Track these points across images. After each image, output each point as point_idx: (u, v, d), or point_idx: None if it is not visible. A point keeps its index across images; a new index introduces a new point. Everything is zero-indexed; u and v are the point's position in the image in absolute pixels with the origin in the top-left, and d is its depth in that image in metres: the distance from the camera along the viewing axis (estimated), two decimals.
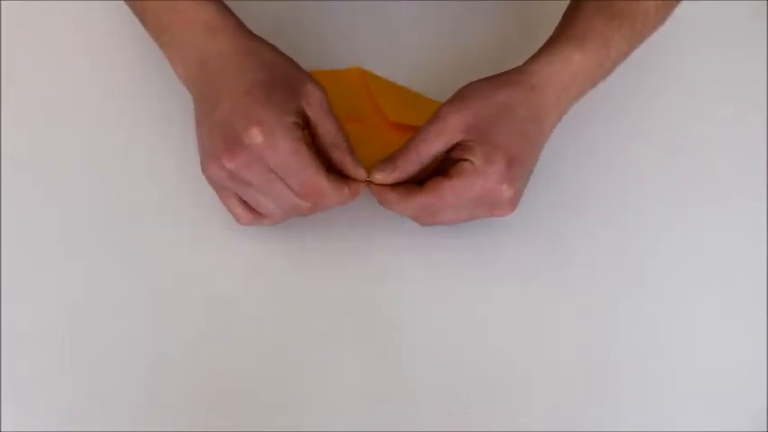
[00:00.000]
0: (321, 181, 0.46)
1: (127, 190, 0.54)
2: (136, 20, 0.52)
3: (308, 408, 0.48)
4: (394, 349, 0.50)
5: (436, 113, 0.48)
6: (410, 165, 0.48)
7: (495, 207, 0.49)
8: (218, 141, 0.45)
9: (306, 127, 0.47)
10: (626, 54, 0.53)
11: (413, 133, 0.52)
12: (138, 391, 0.48)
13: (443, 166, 0.48)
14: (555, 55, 0.50)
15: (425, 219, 0.50)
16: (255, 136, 0.43)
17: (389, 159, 0.48)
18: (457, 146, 0.47)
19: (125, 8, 0.53)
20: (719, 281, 0.53)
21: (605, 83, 0.52)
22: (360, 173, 0.48)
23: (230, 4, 0.50)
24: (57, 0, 0.61)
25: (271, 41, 0.49)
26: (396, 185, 0.48)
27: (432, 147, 0.47)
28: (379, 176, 0.48)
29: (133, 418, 0.47)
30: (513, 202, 0.49)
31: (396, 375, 0.49)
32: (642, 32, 0.53)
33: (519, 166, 0.47)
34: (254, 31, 0.49)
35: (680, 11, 0.57)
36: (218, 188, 0.48)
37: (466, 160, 0.47)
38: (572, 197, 0.56)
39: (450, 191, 0.47)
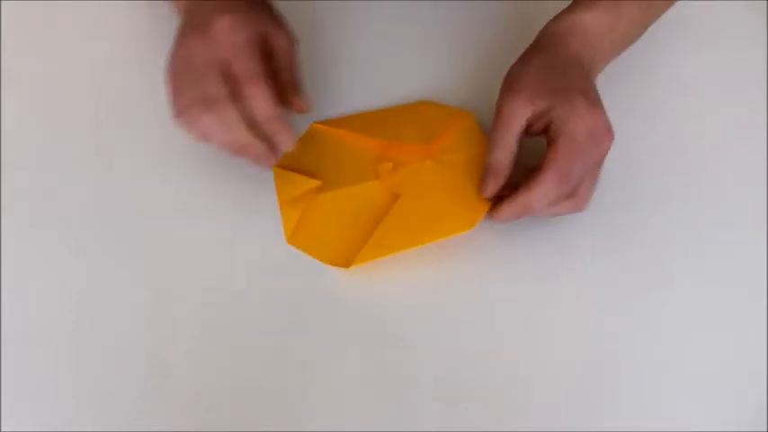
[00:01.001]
0: (256, 79, 0.48)
1: (128, 190, 0.54)
2: (136, 19, 0.52)
3: (307, 408, 0.48)
4: (394, 350, 0.50)
5: (500, 104, 0.50)
6: (505, 156, 0.50)
7: (601, 140, 0.49)
8: (189, 32, 0.49)
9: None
10: (640, 24, 0.54)
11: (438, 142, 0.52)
12: (138, 390, 0.48)
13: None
14: (566, 15, 0.52)
15: (569, 199, 0.50)
16: (223, 19, 0.48)
17: (487, 172, 0.51)
18: (533, 124, 0.49)
19: (125, 7, 0.53)
20: (720, 280, 0.53)
21: (605, 83, 0.52)
22: (301, 102, 0.52)
23: None
24: (57, 0, 0.61)
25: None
26: (504, 198, 0.51)
27: (513, 129, 0.49)
28: (491, 190, 0.51)
29: (133, 418, 0.47)
30: (610, 127, 0.50)
31: (396, 375, 0.49)
32: (656, 5, 0.54)
33: (592, 94, 0.50)
34: None
35: (680, 11, 0.57)
36: (184, 110, 0.49)
37: (551, 124, 0.49)
38: None
39: (563, 151, 0.48)
